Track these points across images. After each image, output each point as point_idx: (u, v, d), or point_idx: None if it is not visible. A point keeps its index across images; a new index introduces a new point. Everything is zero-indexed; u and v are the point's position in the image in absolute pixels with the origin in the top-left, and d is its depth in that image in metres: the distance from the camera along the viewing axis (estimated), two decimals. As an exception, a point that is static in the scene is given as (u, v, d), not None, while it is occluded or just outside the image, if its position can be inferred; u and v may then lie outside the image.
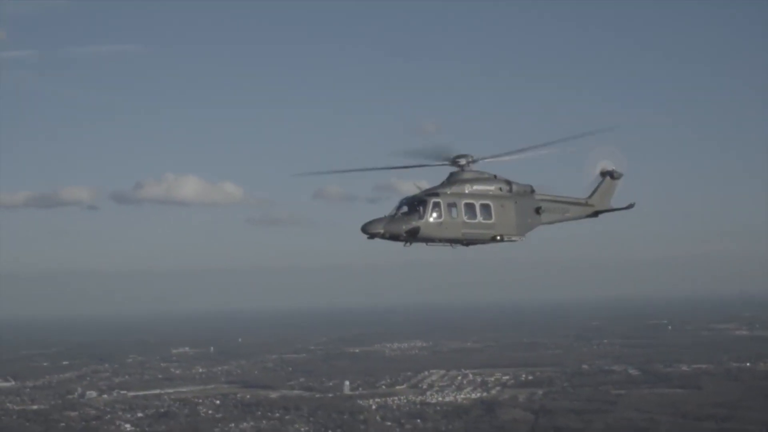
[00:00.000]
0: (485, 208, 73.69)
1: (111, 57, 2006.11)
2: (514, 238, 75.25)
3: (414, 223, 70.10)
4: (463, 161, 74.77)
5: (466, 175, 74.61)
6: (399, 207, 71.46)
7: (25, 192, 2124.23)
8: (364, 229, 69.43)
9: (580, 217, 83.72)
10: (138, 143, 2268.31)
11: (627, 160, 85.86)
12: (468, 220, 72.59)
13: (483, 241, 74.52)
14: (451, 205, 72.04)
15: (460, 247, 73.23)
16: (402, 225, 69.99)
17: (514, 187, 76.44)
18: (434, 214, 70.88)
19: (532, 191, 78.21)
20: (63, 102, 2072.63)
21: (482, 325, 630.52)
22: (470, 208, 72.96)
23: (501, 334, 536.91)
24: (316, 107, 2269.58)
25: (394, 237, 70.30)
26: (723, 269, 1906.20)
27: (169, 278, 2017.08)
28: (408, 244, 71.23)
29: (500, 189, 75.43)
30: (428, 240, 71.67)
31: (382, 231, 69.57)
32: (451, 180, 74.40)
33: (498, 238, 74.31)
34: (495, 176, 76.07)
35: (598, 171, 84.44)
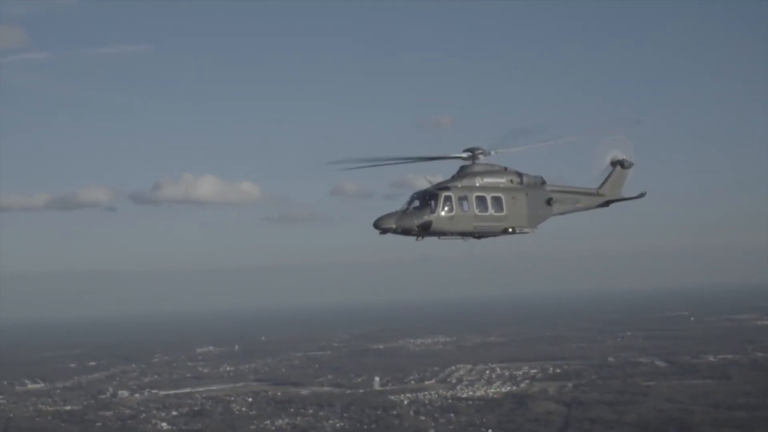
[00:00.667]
0: (496, 200, 74.01)
1: (126, 58, 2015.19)
2: (525, 230, 75.60)
3: (426, 218, 70.47)
4: (472, 154, 75.04)
5: (477, 168, 74.80)
6: (410, 201, 71.68)
7: (45, 194, 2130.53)
8: (377, 224, 69.77)
9: (592, 207, 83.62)
10: (156, 144, 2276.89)
11: (636, 150, 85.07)
12: (479, 213, 72.90)
13: (495, 234, 74.63)
14: (462, 199, 72.41)
15: (471, 240, 73.42)
16: (414, 219, 70.32)
17: (525, 179, 76.61)
18: (446, 208, 71.21)
19: (543, 182, 78.38)
20: (80, 104, 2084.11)
21: (501, 320, 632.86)
22: (481, 201, 73.26)
23: (522, 328, 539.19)
24: (333, 104, 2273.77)
25: (406, 231, 70.61)
26: (733, 260, 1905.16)
27: (188, 277, 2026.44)
28: (420, 238, 71.62)
29: (511, 181, 75.66)
30: (440, 234, 71.98)
31: (394, 226, 69.88)
32: (462, 173, 74.57)
33: (510, 230, 74.57)
34: (506, 168, 76.26)
35: (608, 160, 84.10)
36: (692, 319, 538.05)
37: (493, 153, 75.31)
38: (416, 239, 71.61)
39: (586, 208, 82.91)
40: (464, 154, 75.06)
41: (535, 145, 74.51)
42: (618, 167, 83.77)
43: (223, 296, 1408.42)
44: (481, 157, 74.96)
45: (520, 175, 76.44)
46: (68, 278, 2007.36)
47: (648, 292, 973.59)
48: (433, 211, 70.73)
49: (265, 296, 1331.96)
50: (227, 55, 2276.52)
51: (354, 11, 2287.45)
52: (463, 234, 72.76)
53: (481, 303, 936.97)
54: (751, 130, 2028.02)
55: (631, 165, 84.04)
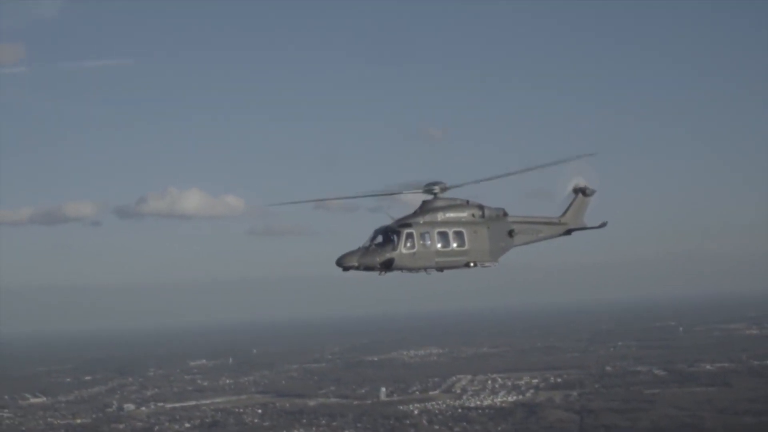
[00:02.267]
0: (458, 235, 74.16)
1: (108, 71, 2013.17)
2: (487, 264, 75.95)
3: (388, 255, 71.15)
4: (436, 189, 74.94)
5: (439, 203, 74.87)
6: (373, 238, 72.25)
7: (29, 208, 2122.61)
8: (339, 262, 70.42)
9: (554, 236, 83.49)
10: (141, 158, 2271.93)
11: (599, 177, 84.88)
12: (441, 249, 73.18)
13: (457, 267, 75.07)
14: (424, 234, 72.64)
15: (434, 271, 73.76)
16: (376, 257, 71.01)
17: (487, 212, 76.77)
18: (407, 245, 71.69)
19: (505, 214, 78.44)
20: (64, 118, 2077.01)
21: (489, 331, 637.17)
22: (443, 236, 73.43)
23: (512, 339, 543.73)
24: (318, 116, 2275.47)
25: (368, 268, 71.26)
26: (716, 269, 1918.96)
27: (173, 291, 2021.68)
28: (383, 273, 72.28)
29: (473, 215, 75.90)
30: (402, 269, 72.67)
31: (356, 264, 70.58)
32: (424, 208, 74.61)
33: (471, 264, 74.90)
34: (467, 202, 76.44)
35: (570, 188, 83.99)
36: (681, 329, 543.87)
37: (452, 189, 75.68)
38: (379, 274, 72.46)
39: (549, 238, 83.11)
40: (427, 189, 75.20)
41: (496, 179, 74.93)
42: (580, 195, 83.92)
43: (208, 310, 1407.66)
44: (442, 191, 75.14)
45: (482, 208, 76.86)
46: (53, 292, 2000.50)
47: (630, 303, 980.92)
48: (395, 248, 71.42)
49: (250, 309, 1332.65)
50: (211, 67, 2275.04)
51: (342, 22, 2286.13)
52: (426, 269, 73.42)
53: (464, 315, 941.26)
54: (736, 136, 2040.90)
55: (593, 192, 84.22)
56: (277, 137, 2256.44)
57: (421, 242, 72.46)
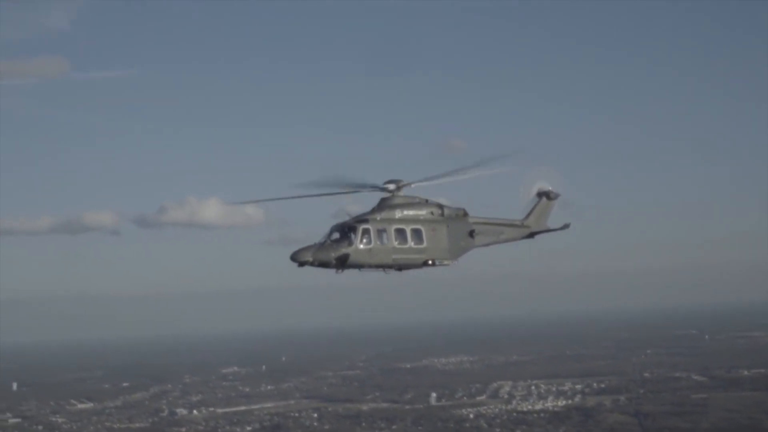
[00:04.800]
0: (416, 232, 73.84)
1: (120, 81, 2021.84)
2: (446, 262, 75.44)
3: (343, 250, 70.70)
4: (393, 186, 74.99)
5: (397, 200, 74.66)
6: (330, 234, 71.79)
7: (49, 218, 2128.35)
8: (294, 257, 69.85)
9: (516, 239, 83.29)
10: (160, 167, 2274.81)
11: (563, 181, 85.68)
12: (399, 246, 72.82)
13: (415, 266, 74.63)
14: (381, 231, 72.33)
15: (393, 272, 73.82)
16: (331, 252, 70.46)
17: (446, 211, 76.50)
18: (364, 241, 71.29)
19: (465, 214, 78.14)
20: (80, 128, 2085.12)
21: (511, 340, 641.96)
22: (401, 233, 73.14)
23: (538, 348, 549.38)
24: (340, 128, 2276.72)
25: (323, 264, 70.71)
26: (725, 279, 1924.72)
27: (190, 300, 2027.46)
28: (340, 270, 71.70)
29: (432, 213, 75.69)
30: (359, 266, 72.22)
31: (311, 259, 70.02)
32: (382, 205, 74.46)
33: (430, 262, 74.52)
34: (427, 200, 76.09)
35: (534, 192, 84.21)
36: (707, 337, 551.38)
37: (413, 186, 75.78)
38: (336, 272, 71.96)
39: (511, 240, 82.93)
40: (385, 186, 75.26)
41: (457, 177, 74.99)
42: (544, 198, 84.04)
43: (225, 319, 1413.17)
44: (400, 189, 75.27)
45: (441, 207, 76.59)
46: (71, 302, 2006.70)
47: (638, 312, 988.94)
48: (351, 244, 71.12)
49: (266, 318, 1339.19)
50: (230, 76, 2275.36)
51: (356, 32, 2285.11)
52: (383, 266, 73.27)
53: (479, 324, 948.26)
54: (750, 146, 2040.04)
55: (557, 196, 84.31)
56: (297, 148, 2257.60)
57: (378, 239, 72.14)
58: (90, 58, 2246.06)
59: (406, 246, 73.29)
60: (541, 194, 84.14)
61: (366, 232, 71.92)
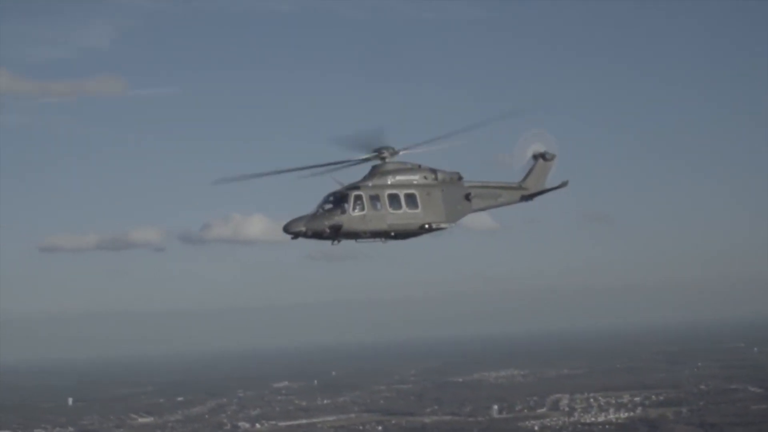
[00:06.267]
0: (410, 197, 73.53)
1: (158, 99, 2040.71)
2: (443, 226, 75.12)
3: (336, 219, 70.41)
4: (385, 153, 74.63)
5: (389, 167, 74.49)
6: (322, 203, 71.88)
7: (95, 234, 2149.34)
8: (286, 228, 69.87)
9: (515, 201, 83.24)
10: (205, 184, 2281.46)
11: (557, 141, 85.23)
12: (393, 211, 72.44)
13: (412, 232, 74.14)
14: (374, 198, 72.12)
15: (392, 242, 73.95)
16: (324, 221, 70.18)
17: (440, 175, 76.46)
18: (357, 208, 71.05)
19: (460, 178, 78.24)
20: (124, 146, 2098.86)
21: (557, 354, 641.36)
22: (394, 198, 72.88)
23: (587, 362, 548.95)
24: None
25: (317, 235, 70.51)
26: (755, 290, 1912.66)
27: (233, 316, 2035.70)
28: (336, 242, 71.58)
29: (425, 178, 75.48)
30: (354, 235, 71.83)
31: (304, 229, 69.91)
32: (374, 173, 74.38)
33: (426, 226, 74.06)
34: (419, 166, 75.98)
35: (529, 154, 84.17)
36: (756, 349, 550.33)
37: (402, 153, 75.65)
38: (332, 243, 71.96)
39: (509, 203, 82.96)
40: (373, 154, 74.97)
41: (450, 142, 75.02)
42: (540, 160, 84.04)
43: (267, 334, 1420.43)
44: (391, 156, 75.16)
45: (434, 171, 76.53)
46: (111, 318, 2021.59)
47: (683, 325, 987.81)
48: (344, 212, 70.91)
49: (308, 333, 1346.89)
50: (265, 91, 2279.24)
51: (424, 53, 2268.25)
52: (378, 234, 72.71)
53: (518, 338, 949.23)
54: None
55: (553, 157, 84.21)
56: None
57: (371, 206, 71.90)
58: (134, 76, 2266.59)
59: (401, 211, 73.19)
60: (536, 156, 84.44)
61: (358, 198, 71.86)
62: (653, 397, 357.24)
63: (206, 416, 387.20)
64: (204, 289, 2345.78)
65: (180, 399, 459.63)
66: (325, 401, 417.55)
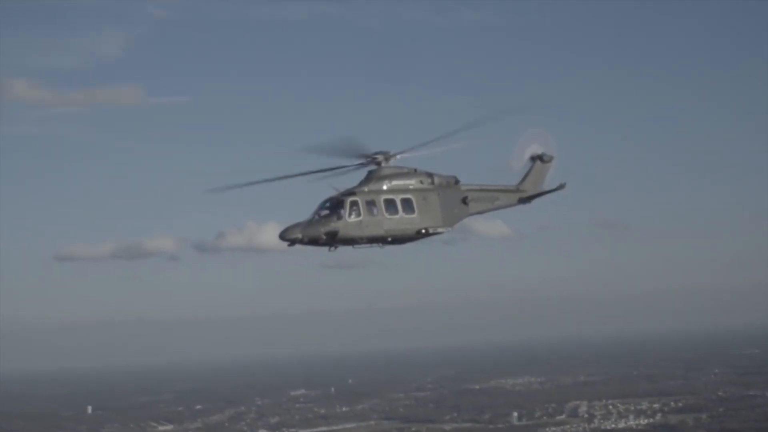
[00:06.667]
0: (406, 202, 73.40)
1: (169, 108, 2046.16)
2: (440, 230, 74.91)
3: (332, 225, 70.12)
4: (380, 158, 74.41)
5: (385, 172, 74.17)
6: (318, 210, 71.60)
7: (110, 244, 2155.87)
8: (282, 236, 69.82)
9: (513, 204, 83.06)
10: (217, 193, 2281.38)
11: (556, 142, 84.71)
12: (389, 216, 72.19)
13: (409, 237, 73.92)
14: (370, 203, 71.90)
15: (390, 248, 73.83)
16: (320, 228, 69.91)
17: (437, 179, 76.20)
18: (353, 214, 70.83)
19: (457, 182, 78.12)
20: (143, 154, 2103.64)
21: (571, 362, 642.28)
22: (390, 203, 72.68)
23: (603, 369, 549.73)
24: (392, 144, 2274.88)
25: (313, 241, 70.28)
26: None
27: (246, 324, 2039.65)
28: (333, 248, 71.35)
29: (421, 182, 75.34)
30: (350, 241, 71.60)
31: (300, 236, 69.77)
32: (370, 178, 74.06)
33: (423, 231, 73.87)
34: (415, 170, 75.69)
35: (527, 156, 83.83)
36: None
37: (398, 156, 75.36)
38: (329, 249, 71.71)
39: (507, 206, 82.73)
40: (369, 159, 74.88)
41: (445, 146, 74.84)
42: (538, 162, 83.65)
43: (282, 342, 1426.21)
44: (387, 161, 74.92)
45: (431, 175, 76.28)
46: (131, 327, 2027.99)
47: (697, 332, 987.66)
48: (340, 218, 70.65)
49: (318, 342, 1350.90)
50: (275, 99, 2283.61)
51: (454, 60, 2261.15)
52: (375, 239, 72.60)
53: (529, 345, 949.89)
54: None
55: (551, 159, 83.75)
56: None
57: (368, 211, 71.65)
58: (146, 84, 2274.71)
59: (397, 216, 72.89)
60: (534, 158, 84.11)
61: (354, 204, 71.59)
62: (672, 403, 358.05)
63: (226, 424, 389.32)
64: (218, 297, 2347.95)
65: (198, 407, 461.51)
66: (344, 409, 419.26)
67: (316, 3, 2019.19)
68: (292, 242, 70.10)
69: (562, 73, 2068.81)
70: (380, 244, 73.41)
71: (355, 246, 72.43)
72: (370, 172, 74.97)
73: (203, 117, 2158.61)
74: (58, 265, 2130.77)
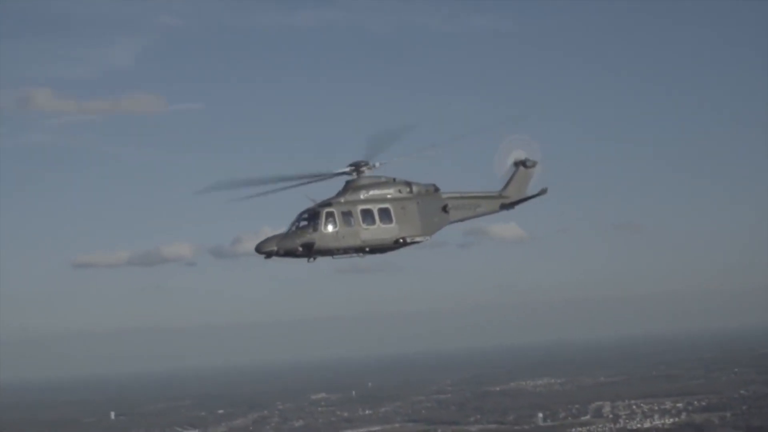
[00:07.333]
0: (384, 212, 73.26)
1: (182, 115, 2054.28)
2: (418, 239, 74.75)
3: (308, 237, 70.18)
4: (363, 167, 74.45)
5: (363, 182, 74.04)
6: (295, 222, 71.66)
7: (126, 251, 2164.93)
8: (258, 248, 69.60)
9: (495, 211, 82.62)
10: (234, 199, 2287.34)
11: (540, 147, 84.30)
12: (367, 227, 72.12)
13: (387, 246, 73.88)
14: (347, 214, 71.79)
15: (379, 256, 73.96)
16: (296, 240, 69.92)
17: (415, 188, 76.14)
18: (329, 225, 70.79)
19: (437, 190, 77.73)
20: (158, 163, 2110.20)
21: (589, 363, 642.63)
22: (368, 214, 72.57)
23: (622, 369, 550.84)
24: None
25: (289, 253, 70.16)
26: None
27: (263, 330, 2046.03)
28: (312, 259, 71.37)
29: (399, 191, 75.27)
30: (327, 252, 71.51)
31: (275, 248, 69.68)
32: (347, 188, 74.02)
33: (401, 240, 73.90)
34: (394, 179, 75.53)
35: (510, 161, 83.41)
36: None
37: (377, 165, 75.09)
38: (308, 261, 71.75)
39: (489, 212, 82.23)
40: (348, 169, 74.75)
41: (422, 154, 75.09)
42: (521, 168, 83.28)
43: (298, 347, 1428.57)
44: (366, 170, 74.76)
45: (409, 184, 76.15)
46: (146, 333, 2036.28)
47: (714, 333, 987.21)
48: (316, 230, 70.61)
49: (334, 347, 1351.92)
50: (288, 106, 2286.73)
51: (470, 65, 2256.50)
52: (353, 249, 72.47)
53: (544, 348, 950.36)
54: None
55: (534, 164, 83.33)
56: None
57: (344, 222, 71.52)
58: (160, 92, 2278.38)
59: (374, 226, 72.76)
60: (517, 164, 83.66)
61: (330, 215, 71.50)
62: (695, 402, 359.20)
63: (250, 428, 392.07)
64: (235, 302, 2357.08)
65: (221, 412, 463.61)
66: (367, 412, 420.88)
67: (326, 10, 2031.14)
68: (268, 255, 70.20)
69: (574, 77, 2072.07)
70: (359, 254, 73.41)
71: (334, 257, 72.52)
72: (347, 182, 75.04)
73: (217, 123, 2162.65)
74: (76, 273, 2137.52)
